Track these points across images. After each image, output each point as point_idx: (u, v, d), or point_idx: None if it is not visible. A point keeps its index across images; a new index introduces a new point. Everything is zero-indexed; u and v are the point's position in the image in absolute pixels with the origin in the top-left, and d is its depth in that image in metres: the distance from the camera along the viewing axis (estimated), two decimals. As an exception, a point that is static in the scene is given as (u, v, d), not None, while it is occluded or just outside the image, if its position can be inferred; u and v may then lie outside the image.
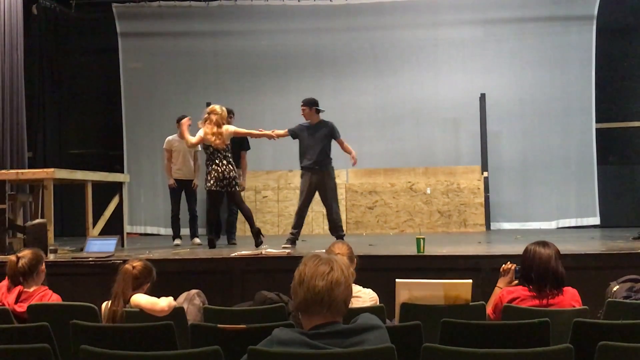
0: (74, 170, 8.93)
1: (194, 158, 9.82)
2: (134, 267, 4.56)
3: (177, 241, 9.59)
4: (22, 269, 4.88)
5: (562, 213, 12.48)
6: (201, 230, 10.48)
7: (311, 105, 8.65)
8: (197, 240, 9.58)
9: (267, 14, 13.14)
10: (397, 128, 12.84)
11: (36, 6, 12.74)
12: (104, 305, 4.52)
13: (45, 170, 8.37)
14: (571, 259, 6.22)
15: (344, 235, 8.56)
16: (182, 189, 9.74)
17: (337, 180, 12.25)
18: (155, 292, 4.57)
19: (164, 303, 4.36)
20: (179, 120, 9.69)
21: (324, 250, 4.65)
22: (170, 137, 9.83)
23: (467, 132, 12.71)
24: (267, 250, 7.47)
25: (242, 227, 12.32)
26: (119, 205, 9.51)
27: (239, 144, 9.72)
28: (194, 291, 5.25)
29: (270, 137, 8.83)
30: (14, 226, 8.81)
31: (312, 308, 2.62)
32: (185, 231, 9.92)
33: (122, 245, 9.07)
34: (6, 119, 9.75)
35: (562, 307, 4.16)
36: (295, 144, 13.06)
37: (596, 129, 12.49)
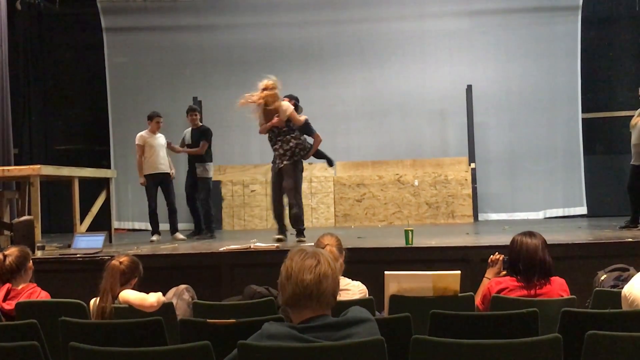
0: (60, 167, 8.90)
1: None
2: (120, 263, 4.55)
3: (155, 237, 9.50)
4: (9, 267, 4.85)
5: (550, 203, 12.55)
6: (182, 226, 10.50)
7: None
8: (179, 235, 9.57)
9: (253, 7, 13.11)
10: (384, 120, 12.85)
11: (20, 2, 12.66)
12: (92, 301, 4.51)
13: (31, 166, 8.33)
14: (559, 249, 6.25)
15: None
16: (157, 183, 9.66)
17: (326, 173, 12.38)
18: (144, 288, 4.56)
19: (153, 299, 4.35)
20: (150, 118, 9.68)
21: (313, 243, 4.66)
22: (142, 133, 9.75)
23: (454, 123, 12.75)
24: (256, 244, 7.46)
25: (229, 222, 12.35)
26: (107, 201, 9.49)
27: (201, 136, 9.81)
28: (182, 286, 5.25)
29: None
30: (1, 223, 8.77)
31: (301, 302, 2.62)
32: (165, 226, 9.87)
33: (110, 241, 9.05)
34: (-9, 116, 9.71)
35: (550, 297, 4.18)
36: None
37: (582, 119, 12.56)
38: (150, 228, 9.81)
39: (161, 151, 9.66)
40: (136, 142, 9.68)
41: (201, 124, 9.96)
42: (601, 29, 12.73)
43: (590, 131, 12.57)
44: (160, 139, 9.73)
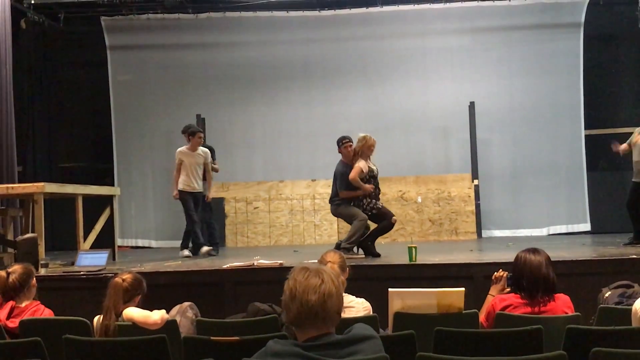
0: (64, 184, 8.91)
1: (205, 170, 9.65)
2: (123, 280, 4.55)
3: (205, 249, 9.40)
4: (12, 285, 4.85)
5: (553, 220, 12.53)
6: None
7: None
8: (204, 248, 9.39)
9: (255, 25, 13.16)
10: (387, 137, 12.83)
11: (24, 20, 12.71)
12: (96, 319, 4.50)
13: (35, 184, 8.34)
14: (563, 266, 6.24)
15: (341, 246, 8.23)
16: (193, 200, 9.51)
17: (328, 190, 12.22)
18: (148, 305, 4.55)
19: (157, 316, 4.35)
20: (193, 134, 9.57)
21: (317, 260, 4.65)
22: (180, 149, 9.63)
23: (457, 140, 12.76)
24: (260, 261, 7.46)
25: (232, 239, 12.34)
26: (110, 219, 9.48)
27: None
28: (186, 304, 5.24)
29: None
30: (5, 241, 8.78)
31: (306, 322, 2.60)
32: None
33: (114, 259, 9.04)
34: (-5, 134, 9.73)
35: (555, 313, 4.17)
36: (285, 155, 13.16)
37: (585, 135, 12.57)
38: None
39: (199, 169, 9.55)
40: (176, 160, 9.54)
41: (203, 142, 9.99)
42: (603, 45, 12.76)
43: (593, 148, 12.57)
44: (199, 157, 9.58)
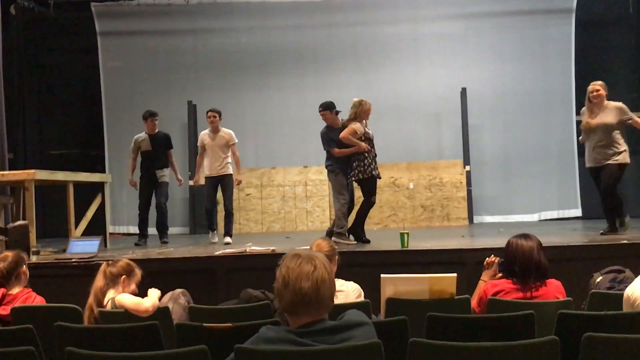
0: (55, 171, 8.86)
1: (231, 152, 9.46)
2: (108, 265, 4.60)
3: (214, 237, 9.46)
4: (1, 272, 4.83)
5: (544, 205, 12.57)
6: (179, 230, 10.38)
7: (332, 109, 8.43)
8: (228, 239, 9.25)
9: (247, 11, 13.11)
10: (379, 123, 12.70)
11: (14, 6, 12.63)
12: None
13: (26, 171, 8.30)
14: (554, 251, 6.25)
15: (333, 231, 8.15)
16: (215, 185, 9.41)
17: (321, 177, 12.29)
18: (140, 293, 4.56)
19: (148, 303, 4.35)
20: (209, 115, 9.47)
21: (308, 247, 4.65)
22: (202, 132, 9.59)
23: (449, 126, 12.77)
24: (252, 247, 7.45)
25: (220, 224, 12.32)
26: (101, 206, 9.45)
27: (165, 143, 9.63)
28: (178, 290, 5.24)
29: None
30: (-5, 228, 8.73)
31: (300, 309, 2.60)
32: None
33: (105, 246, 9.01)
34: (-15, 121, 9.66)
35: (546, 299, 4.18)
36: (277, 141, 13.13)
37: (577, 121, 12.57)
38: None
39: (218, 152, 9.34)
40: (198, 144, 9.54)
41: (158, 130, 9.73)
42: (595, 31, 12.76)
43: (585, 134, 12.58)
44: (220, 138, 9.36)
